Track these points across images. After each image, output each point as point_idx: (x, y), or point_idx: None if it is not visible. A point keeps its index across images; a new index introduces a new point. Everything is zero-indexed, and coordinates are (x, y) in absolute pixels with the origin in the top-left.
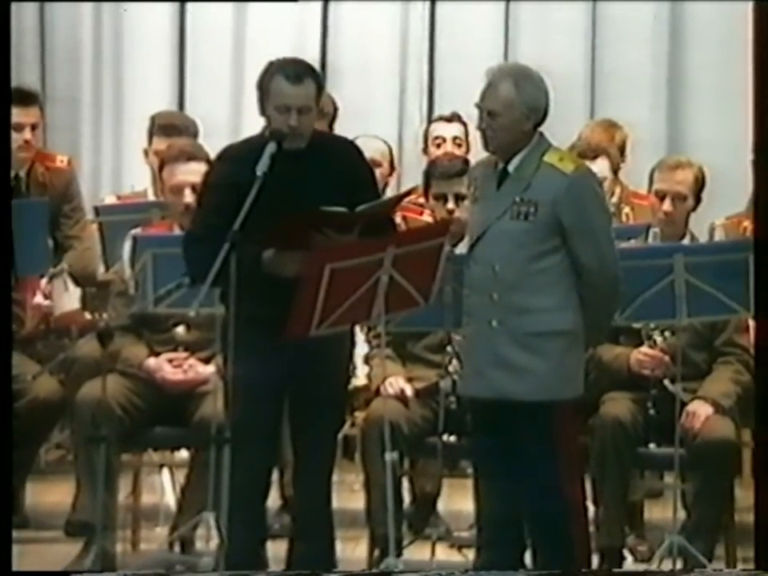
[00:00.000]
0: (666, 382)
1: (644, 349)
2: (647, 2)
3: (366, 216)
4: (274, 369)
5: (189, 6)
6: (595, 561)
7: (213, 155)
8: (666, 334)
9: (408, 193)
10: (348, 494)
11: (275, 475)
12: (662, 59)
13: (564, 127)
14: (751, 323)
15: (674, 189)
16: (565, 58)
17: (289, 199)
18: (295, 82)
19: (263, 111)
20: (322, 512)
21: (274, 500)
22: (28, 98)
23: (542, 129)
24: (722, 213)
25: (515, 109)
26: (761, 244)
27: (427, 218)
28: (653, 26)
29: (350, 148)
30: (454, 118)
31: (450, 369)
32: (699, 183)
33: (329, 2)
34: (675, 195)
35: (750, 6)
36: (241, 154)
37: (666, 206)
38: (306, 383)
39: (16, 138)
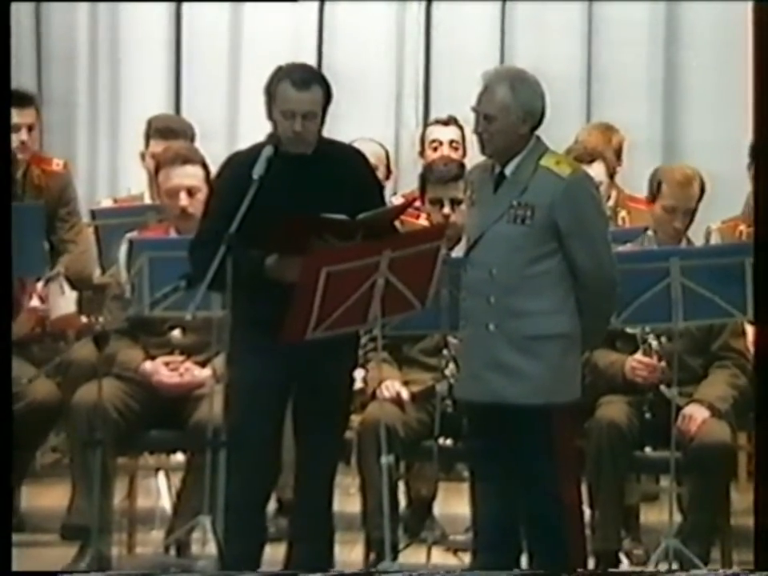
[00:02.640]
0: (662, 386)
1: (638, 356)
2: (643, 5)
3: (367, 224)
4: (278, 371)
5: (185, 8)
6: (591, 564)
7: (209, 158)
8: (662, 338)
9: (412, 201)
10: (344, 497)
11: None
12: (659, 62)
13: (560, 130)
14: (748, 327)
15: (686, 206)
16: (561, 60)
17: (293, 204)
18: (301, 88)
19: (270, 115)
20: (323, 514)
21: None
22: (24, 100)
23: (538, 132)
24: (718, 216)
25: (511, 112)
26: (761, 246)
27: (423, 221)
28: (649, 29)
29: (356, 156)
30: (450, 121)
31: (447, 372)
32: (702, 192)
33: (324, 6)
34: (686, 211)
35: (748, 7)
36: (244, 160)
37: (678, 222)
38: (311, 385)
39: (12, 139)
